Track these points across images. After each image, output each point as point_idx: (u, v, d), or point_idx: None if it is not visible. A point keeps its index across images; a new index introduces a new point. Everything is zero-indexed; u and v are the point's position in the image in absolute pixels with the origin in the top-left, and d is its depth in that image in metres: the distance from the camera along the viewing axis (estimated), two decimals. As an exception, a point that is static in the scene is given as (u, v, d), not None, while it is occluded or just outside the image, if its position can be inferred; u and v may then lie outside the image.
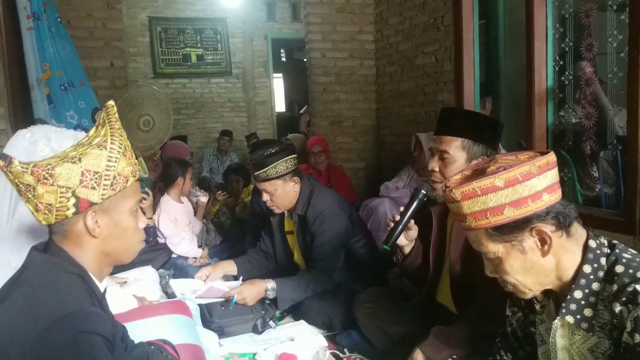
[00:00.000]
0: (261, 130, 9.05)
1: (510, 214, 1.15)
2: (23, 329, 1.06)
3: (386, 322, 2.27)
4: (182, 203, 3.64)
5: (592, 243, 1.20)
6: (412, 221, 2.03)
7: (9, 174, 1.17)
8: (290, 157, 2.71)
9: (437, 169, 1.98)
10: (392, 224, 1.99)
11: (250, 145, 7.00)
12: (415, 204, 1.95)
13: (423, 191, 1.96)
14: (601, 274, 1.17)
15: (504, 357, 1.52)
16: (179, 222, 3.49)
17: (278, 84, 11.68)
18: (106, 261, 1.29)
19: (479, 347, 1.72)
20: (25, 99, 3.20)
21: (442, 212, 2.09)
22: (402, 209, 1.99)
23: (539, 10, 2.98)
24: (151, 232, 3.36)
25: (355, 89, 5.35)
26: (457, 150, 1.93)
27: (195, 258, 3.50)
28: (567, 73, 2.91)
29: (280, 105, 11.36)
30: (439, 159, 1.98)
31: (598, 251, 1.19)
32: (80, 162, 1.17)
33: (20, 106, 3.17)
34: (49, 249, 1.23)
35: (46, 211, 1.17)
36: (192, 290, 2.68)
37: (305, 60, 5.88)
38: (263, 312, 2.56)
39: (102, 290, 1.29)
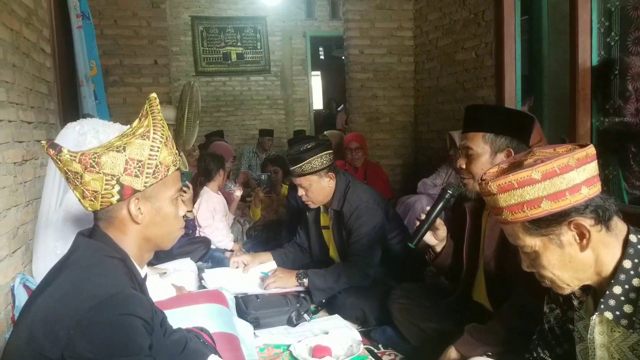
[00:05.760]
0: (298, 127, 9.11)
1: (548, 207, 1.12)
2: (68, 309, 1.10)
3: (421, 318, 2.25)
4: (220, 194, 3.75)
5: (633, 238, 1.16)
6: (440, 221, 2.08)
7: (59, 162, 1.22)
8: (325, 152, 2.72)
9: (464, 166, 2.00)
10: (418, 223, 2.04)
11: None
12: (441, 204, 2.00)
13: (449, 191, 2.01)
14: (642, 269, 1.14)
15: (542, 355, 1.48)
16: (217, 212, 3.62)
17: (316, 81, 11.72)
18: (147, 247, 1.33)
19: (514, 344, 1.70)
20: (74, 95, 3.33)
21: (476, 208, 2.09)
22: (428, 208, 2.04)
23: (584, 4, 2.91)
24: (191, 224, 3.44)
25: (393, 85, 5.33)
26: (479, 144, 1.94)
27: (232, 251, 3.56)
28: (612, 68, 2.82)
29: (318, 103, 11.41)
30: (465, 156, 2.00)
31: (639, 246, 1.16)
32: (124, 151, 1.22)
33: (69, 102, 3.29)
34: (94, 234, 1.28)
35: (92, 198, 1.22)
36: (226, 279, 2.80)
37: (343, 57, 5.89)
38: (298, 305, 2.59)
39: (142, 276, 1.34)
